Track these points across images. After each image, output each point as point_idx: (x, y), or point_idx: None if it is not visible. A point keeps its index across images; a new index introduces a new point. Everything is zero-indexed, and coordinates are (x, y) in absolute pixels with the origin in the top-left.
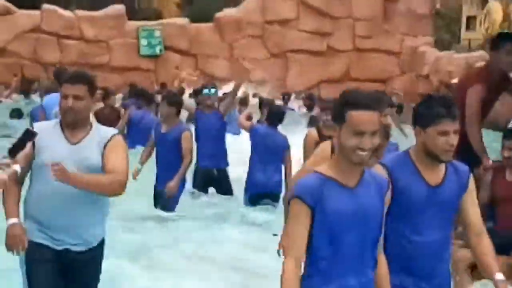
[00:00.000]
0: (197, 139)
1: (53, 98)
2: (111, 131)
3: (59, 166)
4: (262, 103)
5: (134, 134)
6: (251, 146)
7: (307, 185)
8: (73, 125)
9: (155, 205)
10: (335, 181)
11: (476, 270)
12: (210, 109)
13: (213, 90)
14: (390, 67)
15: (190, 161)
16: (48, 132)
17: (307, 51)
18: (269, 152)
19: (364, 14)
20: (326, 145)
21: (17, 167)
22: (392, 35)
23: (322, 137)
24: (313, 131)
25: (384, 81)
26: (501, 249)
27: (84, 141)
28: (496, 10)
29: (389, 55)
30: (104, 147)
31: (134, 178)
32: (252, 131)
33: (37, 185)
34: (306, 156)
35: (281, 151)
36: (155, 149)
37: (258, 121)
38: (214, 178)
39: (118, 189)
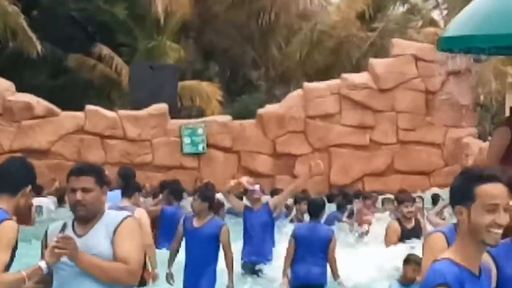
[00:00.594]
0: (244, 235)
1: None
2: (122, 214)
3: (69, 241)
4: (297, 199)
5: (165, 232)
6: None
7: (452, 271)
8: (86, 218)
9: None
10: (467, 270)
11: None
12: (258, 205)
13: (257, 186)
14: (434, 159)
15: (232, 255)
16: (59, 228)
17: (350, 145)
18: (313, 246)
19: (407, 106)
20: (436, 239)
21: (41, 263)
22: (435, 127)
23: (403, 229)
24: (395, 224)
25: (428, 174)
26: None
27: (90, 231)
28: None
29: (433, 147)
30: (114, 232)
31: (169, 282)
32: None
33: (56, 284)
34: None
35: (327, 242)
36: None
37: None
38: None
39: (129, 279)
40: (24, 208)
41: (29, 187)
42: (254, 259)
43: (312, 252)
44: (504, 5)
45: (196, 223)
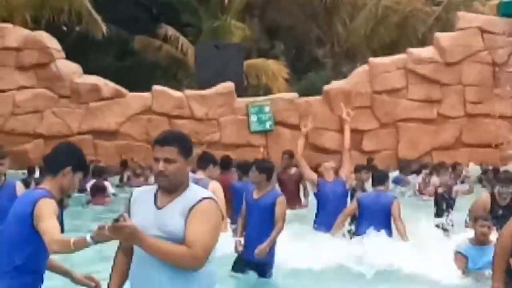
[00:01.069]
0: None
1: None
2: (202, 193)
3: (129, 225)
4: (356, 167)
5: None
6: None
7: None
8: (169, 189)
9: (235, 270)
10: None
11: None
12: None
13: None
14: (503, 131)
15: (282, 228)
16: (143, 196)
17: (417, 119)
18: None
19: (473, 79)
20: None
21: (87, 237)
22: (503, 99)
23: (493, 205)
24: (486, 197)
25: (498, 146)
26: None
27: (169, 205)
28: None
29: (501, 119)
30: (190, 211)
31: (237, 251)
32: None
33: (136, 249)
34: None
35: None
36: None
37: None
38: None
39: (192, 263)
40: (68, 188)
41: (69, 167)
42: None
43: (376, 220)
44: None
45: (255, 194)
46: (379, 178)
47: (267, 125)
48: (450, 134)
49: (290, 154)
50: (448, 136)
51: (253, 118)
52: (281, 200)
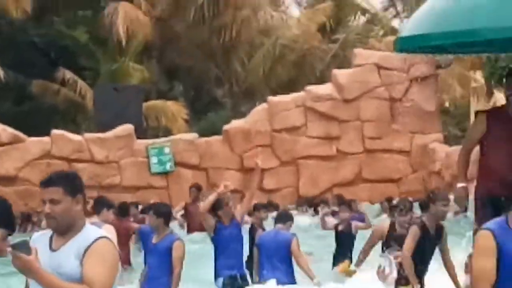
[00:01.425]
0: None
1: None
2: (96, 233)
3: (23, 256)
4: (256, 206)
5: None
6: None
7: None
8: (59, 231)
9: None
10: None
11: None
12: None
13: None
14: (401, 166)
15: (179, 272)
16: (40, 239)
17: (317, 156)
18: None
19: (371, 115)
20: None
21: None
22: (401, 134)
23: (391, 234)
24: (386, 225)
25: (397, 181)
26: None
27: (63, 247)
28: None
29: (400, 154)
30: (84, 252)
31: None
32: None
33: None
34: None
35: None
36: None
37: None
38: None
39: None
40: None
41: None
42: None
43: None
44: (459, 1)
45: (154, 239)
46: (280, 217)
47: (168, 166)
48: (350, 170)
49: (197, 187)
50: (348, 172)
51: (153, 159)
52: (178, 244)
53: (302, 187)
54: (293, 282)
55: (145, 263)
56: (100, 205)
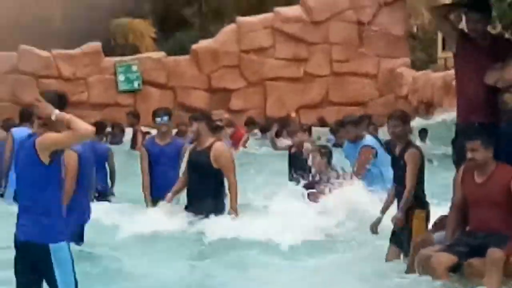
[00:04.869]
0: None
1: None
2: None
3: None
4: None
5: None
6: None
7: None
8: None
9: None
10: None
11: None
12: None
13: (165, 118)
14: (368, 89)
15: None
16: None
17: (284, 78)
18: None
19: (340, 38)
20: None
21: None
22: (368, 57)
23: None
24: None
25: (363, 104)
26: (474, 251)
27: None
28: None
29: (367, 78)
30: None
31: None
32: None
33: None
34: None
35: None
36: None
37: None
38: None
39: None
40: None
41: None
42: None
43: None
44: None
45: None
46: None
47: (135, 84)
48: (317, 92)
49: (134, 114)
50: (315, 95)
51: (121, 77)
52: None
53: (269, 108)
54: None
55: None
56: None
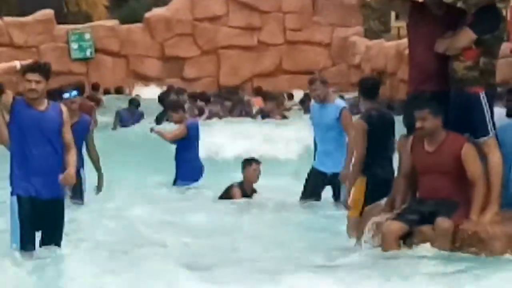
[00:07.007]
0: None
1: None
2: None
3: None
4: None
5: None
6: None
7: None
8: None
9: None
10: None
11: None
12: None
13: (74, 93)
14: (321, 58)
15: None
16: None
17: (238, 46)
18: None
19: (293, 7)
20: None
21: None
22: (322, 26)
23: None
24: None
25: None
26: (425, 219)
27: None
28: None
29: (320, 47)
30: None
31: None
32: None
33: None
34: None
35: None
36: None
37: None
38: None
39: None
40: None
41: None
42: None
43: None
44: None
45: None
46: None
47: (88, 52)
48: (270, 61)
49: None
50: (269, 63)
51: (74, 45)
52: None
53: (223, 76)
54: None
55: None
56: None
